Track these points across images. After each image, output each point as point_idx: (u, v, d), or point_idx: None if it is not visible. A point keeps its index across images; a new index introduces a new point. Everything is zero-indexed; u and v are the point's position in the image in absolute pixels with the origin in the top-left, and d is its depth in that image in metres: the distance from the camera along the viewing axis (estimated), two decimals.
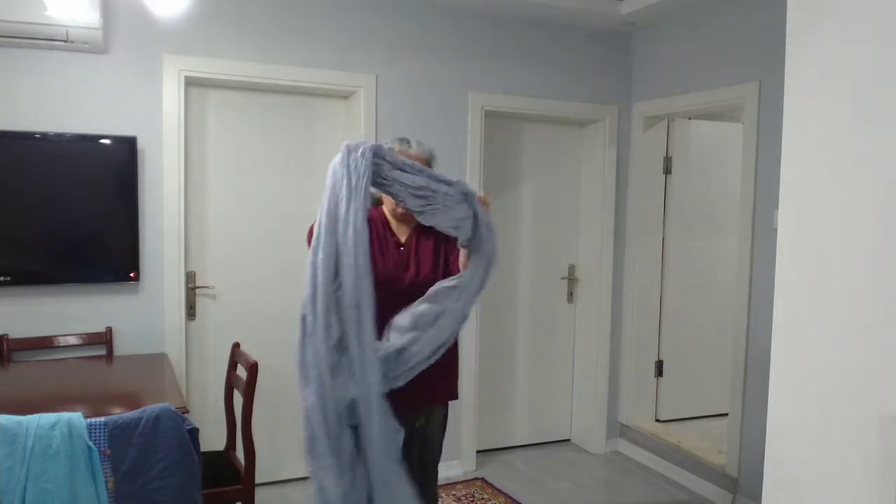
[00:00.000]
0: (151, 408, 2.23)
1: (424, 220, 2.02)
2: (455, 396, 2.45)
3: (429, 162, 2.33)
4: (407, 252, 2.31)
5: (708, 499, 3.76)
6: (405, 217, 2.30)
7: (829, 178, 1.74)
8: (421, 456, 2.36)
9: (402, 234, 2.35)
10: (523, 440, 4.48)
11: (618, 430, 4.47)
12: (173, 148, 3.33)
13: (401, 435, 1.94)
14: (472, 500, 3.69)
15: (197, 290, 3.56)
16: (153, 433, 2.20)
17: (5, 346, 3.08)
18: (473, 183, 3.94)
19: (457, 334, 2.11)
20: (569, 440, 4.61)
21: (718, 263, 4.52)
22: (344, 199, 1.83)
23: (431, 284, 2.09)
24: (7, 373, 2.95)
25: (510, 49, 4.00)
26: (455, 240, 2.10)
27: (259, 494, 2.75)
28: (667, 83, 4.07)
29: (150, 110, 3.30)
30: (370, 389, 1.85)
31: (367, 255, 1.83)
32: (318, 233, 1.85)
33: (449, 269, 2.26)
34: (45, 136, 3.09)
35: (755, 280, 3.52)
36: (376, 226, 2.31)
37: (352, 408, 1.85)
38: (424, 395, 2.25)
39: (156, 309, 3.35)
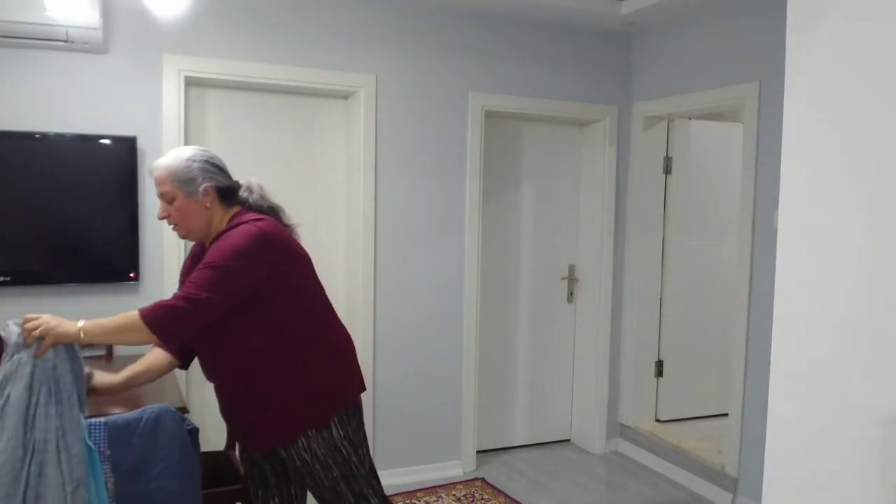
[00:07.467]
0: (151, 408, 2.23)
1: None
2: (283, 437, 2.15)
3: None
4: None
5: (708, 499, 3.76)
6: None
7: (829, 178, 1.74)
8: (318, 491, 2.19)
9: None
10: (523, 440, 4.48)
11: (618, 430, 4.47)
12: (173, 148, 3.33)
13: None
14: (472, 500, 3.69)
15: None
16: (153, 433, 2.19)
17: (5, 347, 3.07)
18: (473, 183, 3.94)
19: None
20: (569, 440, 4.61)
21: (718, 263, 4.53)
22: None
23: None
24: None
25: (510, 49, 4.00)
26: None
27: None
28: (667, 83, 4.07)
29: (150, 110, 3.30)
30: None
31: None
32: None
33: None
34: (45, 136, 3.09)
35: (755, 280, 3.52)
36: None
37: None
38: (249, 439, 2.24)
39: None
